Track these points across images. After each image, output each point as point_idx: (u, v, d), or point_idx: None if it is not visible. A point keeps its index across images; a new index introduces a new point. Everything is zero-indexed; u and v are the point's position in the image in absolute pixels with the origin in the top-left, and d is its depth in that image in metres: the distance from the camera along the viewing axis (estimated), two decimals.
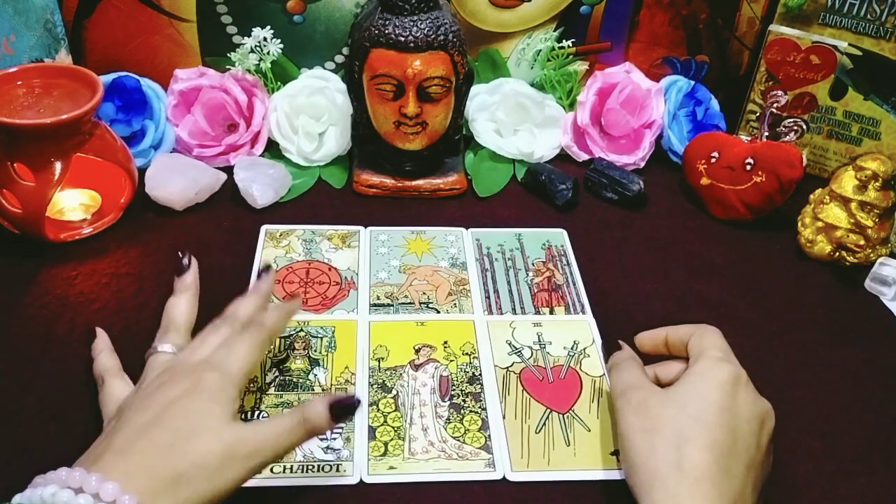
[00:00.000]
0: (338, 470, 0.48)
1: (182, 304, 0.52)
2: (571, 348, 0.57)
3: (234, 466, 0.39)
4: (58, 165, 0.60)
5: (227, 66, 0.76)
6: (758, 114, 0.78)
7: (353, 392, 0.52)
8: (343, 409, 0.43)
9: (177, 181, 0.69)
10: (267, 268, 0.52)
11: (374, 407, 0.52)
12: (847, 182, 0.65)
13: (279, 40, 0.75)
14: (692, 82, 0.81)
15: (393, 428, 0.50)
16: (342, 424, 0.50)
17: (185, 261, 0.53)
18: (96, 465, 0.38)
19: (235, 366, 0.44)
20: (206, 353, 0.45)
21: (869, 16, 0.71)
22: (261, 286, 0.52)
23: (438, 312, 0.60)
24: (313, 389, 0.53)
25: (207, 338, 0.47)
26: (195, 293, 0.53)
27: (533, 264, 0.66)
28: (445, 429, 0.51)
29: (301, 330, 0.57)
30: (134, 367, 0.53)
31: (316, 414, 0.42)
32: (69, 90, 0.62)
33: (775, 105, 0.72)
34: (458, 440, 0.50)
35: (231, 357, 0.44)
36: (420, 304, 0.61)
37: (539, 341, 0.58)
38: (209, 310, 0.51)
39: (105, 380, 0.48)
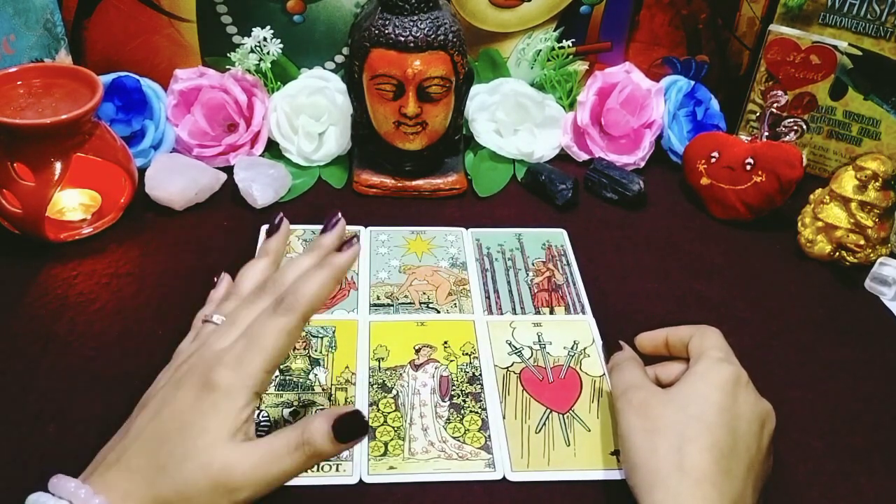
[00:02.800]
0: (337, 470, 0.47)
1: (256, 270, 0.46)
2: (571, 348, 0.57)
3: (219, 500, 0.37)
4: (58, 165, 0.60)
5: (227, 66, 0.76)
6: (758, 114, 0.78)
7: (353, 393, 0.52)
8: (348, 429, 0.39)
9: (177, 181, 0.69)
10: (353, 237, 0.42)
11: (374, 407, 0.52)
12: (847, 182, 0.65)
13: (279, 40, 0.75)
14: (692, 82, 0.81)
15: (393, 428, 0.50)
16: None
17: (276, 220, 0.47)
18: (97, 472, 0.38)
19: (253, 364, 0.38)
20: (227, 340, 0.40)
21: (869, 16, 0.71)
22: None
23: (438, 312, 0.60)
24: (313, 389, 0.53)
25: (239, 315, 0.41)
26: (276, 261, 0.47)
27: (533, 264, 0.66)
28: (445, 429, 0.51)
29: None
30: (134, 367, 0.53)
31: (317, 433, 0.38)
32: (69, 90, 0.62)
33: (775, 105, 0.72)
34: (458, 440, 0.50)
35: (249, 352, 0.39)
36: (420, 304, 0.61)
37: (539, 341, 0.58)
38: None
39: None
